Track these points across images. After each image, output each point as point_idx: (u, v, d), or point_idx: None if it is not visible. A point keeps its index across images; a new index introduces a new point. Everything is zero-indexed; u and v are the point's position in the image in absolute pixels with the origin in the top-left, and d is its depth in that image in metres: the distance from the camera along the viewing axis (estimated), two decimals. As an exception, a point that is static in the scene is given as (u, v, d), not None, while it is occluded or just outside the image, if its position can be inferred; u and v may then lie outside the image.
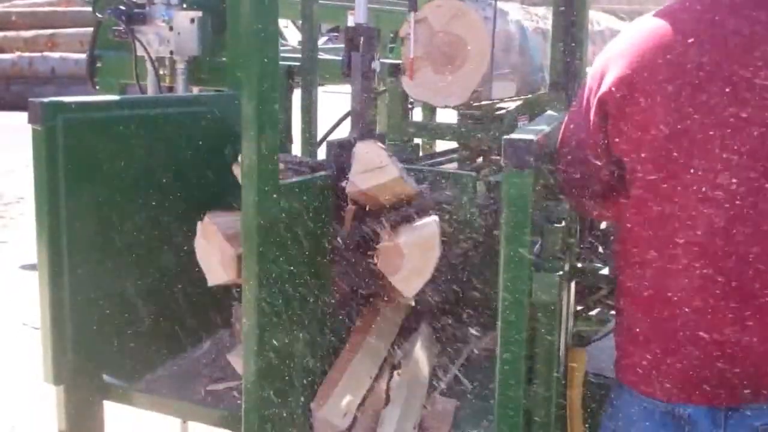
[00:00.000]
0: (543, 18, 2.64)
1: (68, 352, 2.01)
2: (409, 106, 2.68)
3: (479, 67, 2.14)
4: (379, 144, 1.92)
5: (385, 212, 1.99)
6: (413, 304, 2.08)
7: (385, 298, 2.13)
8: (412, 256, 1.91)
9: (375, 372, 2.04)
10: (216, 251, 1.98)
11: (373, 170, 1.87)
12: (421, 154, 2.81)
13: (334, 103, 3.44)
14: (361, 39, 2.10)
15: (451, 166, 2.96)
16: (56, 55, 11.87)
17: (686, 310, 1.45)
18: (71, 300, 1.99)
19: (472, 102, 2.22)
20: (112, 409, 2.22)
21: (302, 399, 1.93)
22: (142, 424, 3.15)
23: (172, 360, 2.29)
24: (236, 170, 1.94)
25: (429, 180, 2.12)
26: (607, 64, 1.53)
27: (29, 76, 11.70)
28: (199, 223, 2.02)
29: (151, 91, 2.75)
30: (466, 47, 2.14)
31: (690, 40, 1.44)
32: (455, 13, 2.15)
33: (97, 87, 3.07)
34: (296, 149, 2.77)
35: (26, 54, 11.97)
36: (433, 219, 1.95)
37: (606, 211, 1.78)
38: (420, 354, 2.16)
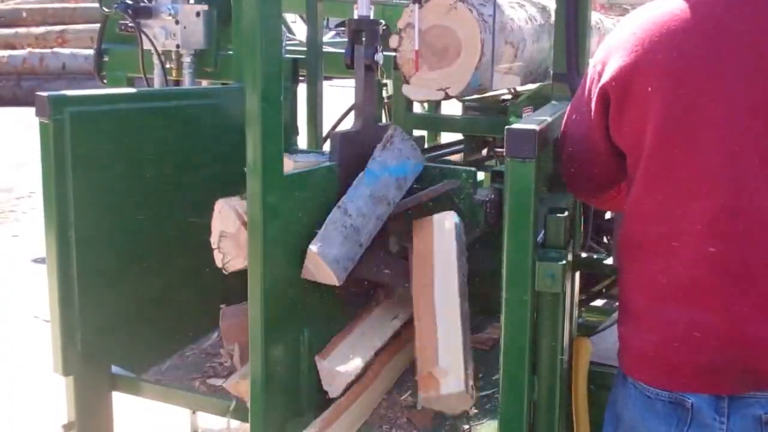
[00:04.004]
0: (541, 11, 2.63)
1: (77, 344, 2.02)
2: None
3: (473, 54, 2.15)
4: (237, 206, 1.90)
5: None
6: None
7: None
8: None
9: (385, 338, 2.03)
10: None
11: (230, 235, 1.93)
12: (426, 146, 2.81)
13: (338, 97, 3.45)
14: (364, 31, 2.11)
15: (457, 157, 2.98)
16: (66, 51, 11.90)
17: (688, 298, 1.45)
18: (80, 292, 2.01)
19: (471, 93, 2.23)
20: (120, 400, 2.24)
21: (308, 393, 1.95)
22: (151, 415, 3.17)
23: (180, 351, 2.30)
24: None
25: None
26: (608, 55, 1.53)
27: (40, 72, 11.74)
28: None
29: (157, 85, 2.76)
30: (458, 37, 2.15)
31: (690, 30, 1.44)
32: (443, 8, 2.16)
33: (105, 81, 3.09)
34: (302, 141, 2.79)
35: (37, 50, 12.01)
36: None
37: (608, 199, 1.79)
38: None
